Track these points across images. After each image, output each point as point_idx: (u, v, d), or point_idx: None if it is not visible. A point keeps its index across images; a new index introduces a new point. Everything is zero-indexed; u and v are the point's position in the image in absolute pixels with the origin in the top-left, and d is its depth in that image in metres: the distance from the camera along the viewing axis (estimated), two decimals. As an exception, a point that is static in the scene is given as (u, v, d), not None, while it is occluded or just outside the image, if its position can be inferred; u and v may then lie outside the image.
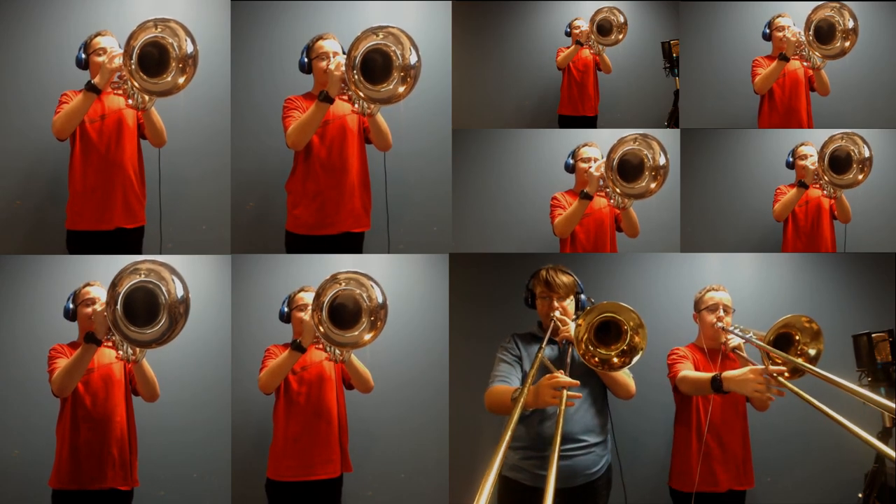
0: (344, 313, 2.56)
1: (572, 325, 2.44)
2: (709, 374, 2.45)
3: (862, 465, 2.99)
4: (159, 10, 3.07)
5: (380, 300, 2.54)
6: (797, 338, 2.54)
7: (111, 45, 2.74)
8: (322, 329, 2.53)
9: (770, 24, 3.33)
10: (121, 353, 2.57)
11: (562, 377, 2.16)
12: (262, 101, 3.22)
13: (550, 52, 3.73)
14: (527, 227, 3.48)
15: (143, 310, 2.38)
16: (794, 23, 3.27)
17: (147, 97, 2.64)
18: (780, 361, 2.40)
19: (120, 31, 2.75)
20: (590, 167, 2.96)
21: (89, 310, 2.57)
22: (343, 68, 2.61)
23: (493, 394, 2.45)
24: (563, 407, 2.06)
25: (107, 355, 2.67)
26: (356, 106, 2.76)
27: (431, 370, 3.27)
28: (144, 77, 2.53)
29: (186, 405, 3.13)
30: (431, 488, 3.26)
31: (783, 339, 2.54)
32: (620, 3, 3.64)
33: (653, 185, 2.85)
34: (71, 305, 2.62)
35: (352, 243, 2.95)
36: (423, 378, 3.28)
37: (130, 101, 2.67)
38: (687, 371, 2.63)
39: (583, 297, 2.63)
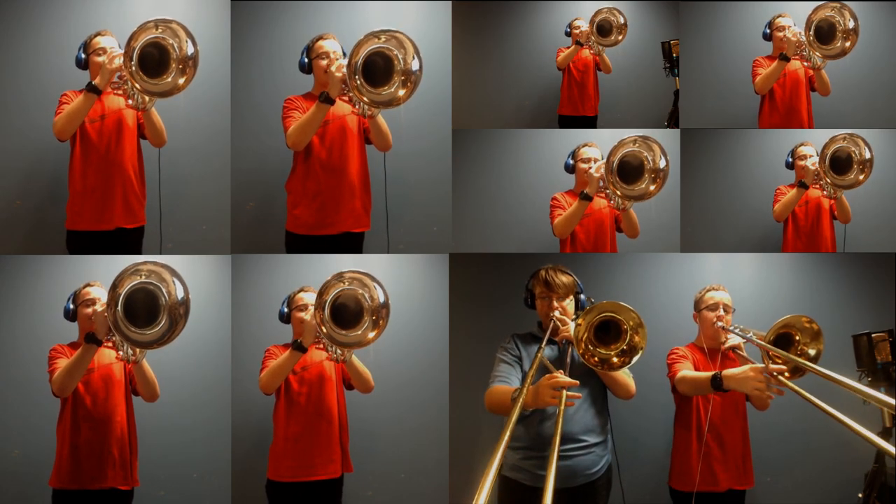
0: (345, 313, 2.56)
1: (572, 325, 2.44)
2: (708, 373, 2.45)
3: (862, 465, 2.99)
4: (159, 10, 3.07)
5: (381, 300, 2.54)
6: (797, 338, 2.54)
7: (111, 45, 2.74)
8: (325, 329, 2.53)
9: (770, 25, 3.33)
10: (121, 353, 2.58)
11: (561, 377, 2.16)
12: (262, 101, 3.22)
13: (550, 52, 3.73)
14: (527, 227, 3.48)
15: (144, 311, 2.39)
16: (794, 23, 3.27)
17: (147, 98, 2.64)
18: (780, 361, 2.40)
19: (120, 31, 2.75)
20: (590, 168, 2.96)
21: (89, 310, 2.58)
22: (344, 70, 2.61)
23: (493, 394, 2.45)
24: (562, 407, 2.06)
25: (107, 355, 2.67)
26: (357, 108, 2.76)
27: (431, 370, 3.27)
28: (145, 78, 2.53)
29: (186, 405, 3.13)
30: (431, 488, 3.26)
31: (783, 339, 2.54)
32: (620, 4, 3.64)
33: (652, 188, 2.86)
34: (71, 306, 2.62)
35: (352, 243, 2.95)
36: (423, 378, 3.28)
37: (130, 102, 2.68)
38: (686, 371, 2.63)
39: (582, 296, 2.63)
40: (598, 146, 3.06)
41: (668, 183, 2.88)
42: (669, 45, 3.53)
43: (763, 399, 2.55)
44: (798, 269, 3.42)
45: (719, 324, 2.72)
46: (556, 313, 2.53)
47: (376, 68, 2.59)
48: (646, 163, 2.85)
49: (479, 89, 3.70)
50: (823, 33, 3.14)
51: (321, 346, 2.75)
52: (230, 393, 3.17)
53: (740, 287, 3.27)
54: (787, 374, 2.23)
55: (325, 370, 2.79)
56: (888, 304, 3.32)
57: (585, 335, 2.34)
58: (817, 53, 3.18)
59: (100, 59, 2.70)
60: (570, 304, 2.58)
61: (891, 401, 1.72)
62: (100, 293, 2.62)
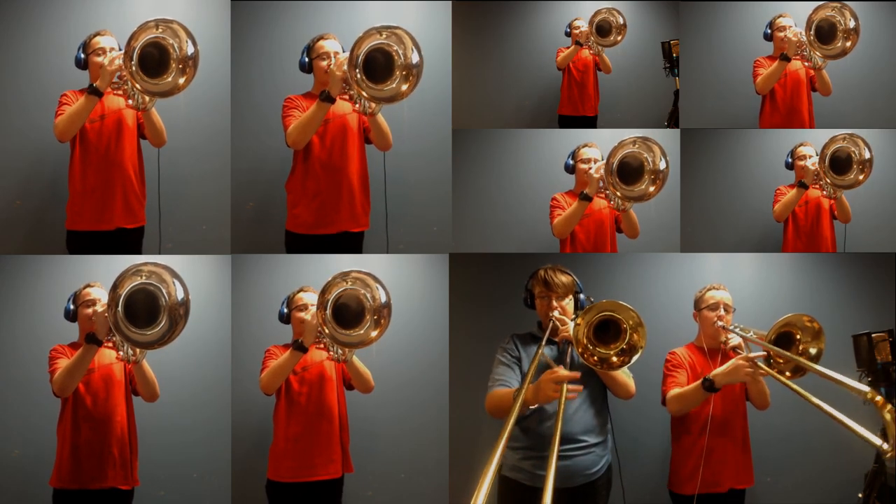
0: (347, 313, 2.56)
1: (571, 325, 2.44)
2: (697, 382, 2.50)
3: (862, 465, 2.98)
4: (159, 10, 3.07)
5: (383, 300, 2.54)
6: (798, 337, 2.54)
7: (110, 45, 2.74)
8: (328, 330, 2.54)
9: (771, 25, 3.33)
10: (121, 353, 2.58)
11: (562, 371, 2.17)
12: (262, 101, 3.22)
13: (550, 52, 3.73)
14: (527, 227, 3.48)
15: (144, 311, 2.40)
16: (795, 23, 3.27)
17: (147, 98, 2.64)
18: (781, 361, 2.41)
19: (120, 31, 2.75)
20: (589, 168, 2.96)
21: (90, 310, 2.58)
22: (345, 67, 2.61)
23: (495, 398, 2.45)
24: (563, 401, 2.06)
25: (107, 355, 2.67)
26: (357, 105, 2.76)
27: (431, 370, 3.27)
28: (145, 78, 2.53)
29: (186, 405, 3.13)
30: (431, 488, 3.26)
31: (784, 338, 2.55)
32: (620, 4, 3.64)
33: (652, 189, 2.86)
34: (71, 306, 2.63)
35: (351, 243, 2.95)
36: (423, 378, 3.28)
37: (131, 102, 2.67)
38: (675, 390, 2.65)
39: (581, 296, 2.63)
40: (598, 146, 3.06)
41: (668, 183, 2.88)
42: (669, 45, 3.53)
43: (759, 389, 2.57)
44: (798, 269, 3.42)
45: (719, 323, 2.72)
46: (556, 313, 2.53)
47: (377, 65, 2.59)
48: (646, 164, 2.85)
49: (479, 89, 3.70)
50: (824, 33, 3.14)
51: (322, 345, 2.75)
52: (230, 393, 3.17)
53: (740, 287, 3.27)
54: (788, 373, 2.23)
55: (325, 370, 2.79)
56: (888, 304, 3.32)
57: (585, 335, 2.35)
58: (818, 53, 3.18)
59: (99, 59, 2.70)
60: (569, 303, 2.58)
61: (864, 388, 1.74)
62: (100, 294, 2.62)
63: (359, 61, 2.56)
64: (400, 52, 2.58)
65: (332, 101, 2.70)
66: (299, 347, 2.66)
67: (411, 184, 3.33)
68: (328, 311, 2.52)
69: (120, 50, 2.73)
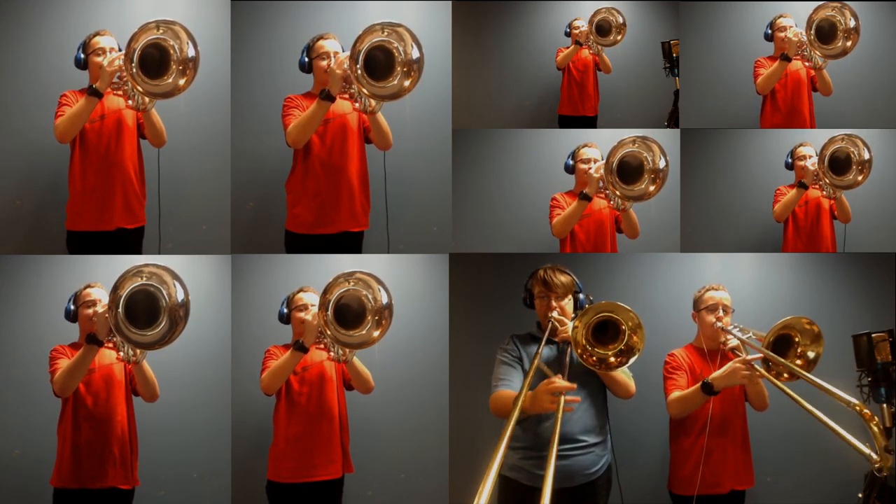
0: (348, 313, 2.56)
1: (570, 325, 2.44)
2: (696, 386, 2.50)
3: (862, 465, 2.97)
4: (159, 10, 3.07)
5: (384, 301, 2.55)
6: (797, 339, 2.54)
7: (110, 45, 2.74)
8: (329, 332, 2.54)
9: (772, 25, 3.33)
10: (121, 354, 2.58)
11: (559, 382, 2.16)
12: (262, 101, 3.22)
13: (550, 52, 3.72)
14: (527, 227, 3.48)
15: (144, 312, 2.40)
16: (795, 23, 3.27)
17: (147, 98, 2.63)
18: (779, 367, 2.42)
19: (120, 31, 2.75)
20: (589, 168, 2.96)
21: (90, 311, 2.59)
22: (345, 66, 2.61)
23: (499, 400, 2.45)
24: (559, 413, 2.06)
25: (107, 356, 2.67)
26: (358, 104, 2.75)
27: (431, 370, 3.27)
28: (145, 79, 2.52)
29: (186, 405, 3.13)
30: (431, 488, 3.26)
31: (783, 341, 2.55)
32: (620, 4, 3.64)
33: (652, 188, 2.86)
34: (72, 307, 2.64)
35: (351, 243, 2.95)
36: (423, 378, 3.28)
37: (131, 102, 2.67)
38: (675, 393, 2.65)
39: (581, 296, 2.63)
40: (597, 146, 3.06)
41: (668, 183, 2.88)
42: (669, 45, 3.53)
43: (758, 392, 2.58)
44: (798, 269, 3.42)
45: (718, 324, 2.72)
46: (555, 313, 2.53)
47: (377, 63, 2.59)
48: (645, 163, 2.85)
49: (479, 89, 3.70)
50: (824, 33, 3.14)
51: (322, 346, 2.75)
52: (230, 393, 3.17)
53: (740, 287, 3.27)
54: (786, 375, 2.24)
55: (325, 370, 2.79)
56: (888, 304, 3.32)
57: (583, 335, 2.35)
58: (818, 53, 3.18)
59: (99, 59, 2.70)
60: (568, 303, 2.59)
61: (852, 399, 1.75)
62: (100, 294, 2.62)
63: (360, 57, 2.55)
64: (400, 48, 2.58)
65: (332, 99, 2.70)
66: (300, 348, 2.66)
67: (411, 184, 3.33)
68: (330, 312, 2.52)
69: (120, 50, 2.73)
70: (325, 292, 2.53)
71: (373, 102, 2.69)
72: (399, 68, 2.59)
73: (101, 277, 2.72)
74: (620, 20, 3.62)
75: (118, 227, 2.84)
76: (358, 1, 3.31)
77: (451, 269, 3.28)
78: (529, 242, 3.47)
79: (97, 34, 2.77)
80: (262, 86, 3.27)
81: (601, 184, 2.93)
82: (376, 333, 2.56)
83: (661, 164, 2.84)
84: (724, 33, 3.60)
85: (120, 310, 2.37)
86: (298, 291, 2.81)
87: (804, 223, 3.27)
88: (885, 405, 2.85)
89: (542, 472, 2.31)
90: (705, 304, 2.77)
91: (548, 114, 3.76)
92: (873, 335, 2.91)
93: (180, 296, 2.41)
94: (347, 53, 2.60)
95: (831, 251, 3.29)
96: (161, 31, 2.51)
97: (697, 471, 2.68)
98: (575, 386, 2.20)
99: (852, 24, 3.10)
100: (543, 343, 2.43)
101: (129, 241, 2.89)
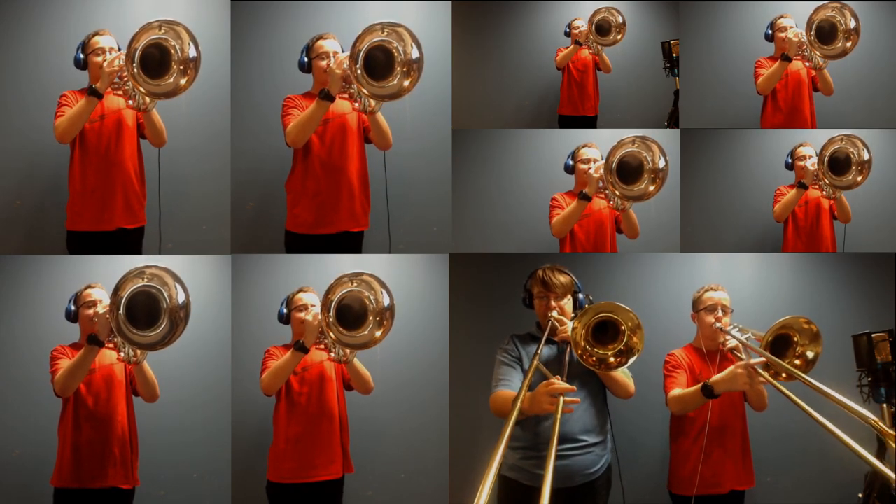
0: (349, 314, 2.57)
1: (570, 325, 2.44)
2: (697, 386, 2.49)
3: (862, 465, 2.97)
4: (159, 10, 3.07)
5: (386, 303, 2.55)
6: (795, 339, 2.54)
7: (109, 45, 2.74)
8: (333, 335, 2.54)
9: (772, 25, 3.33)
10: (122, 354, 2.59)
11: (558, 383, 2.16)
12: (262, 101, 3.22)
13: (550, 52, 3.73)
14: (527, 227, 3.48)
15: (145, 313, 2.41)
16: (796, 23, 3.27)
17: (148, 98, 2.63)
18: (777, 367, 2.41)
19: (120, 31, 2.76)
20: (589, 168, 2.96)
21: (91, 311, 2.59)
22: (344, 66, 2.61)
23: (499, 400, 2.46)
24: (559, 415, 2.06)
25: (108, 356, 2.68)
26: (357, 104, 2.75)
27: (431, 370, 3.27)
28: (147, 79, 2.52)
29: (186, 405, 3.13)
30: (431, 488, 3.26)
31: (782, 341, 2.55)
32: (620, 4, 3.64)
33: (651, 188, 2.85)
34: (72, 307, 2.64)
35: (351, 242, 2.95)
36: (423, 378, 3.28)
37: (131, 102, 2.67)
38: (676, 390, 2.65)
39: (580, 296, 2.63)
40: (597, 147, 3.06)
41: (668, 183, 2.88)
42: (669, 45, 3.53)
43: (757, 393, 2.57)
44: (798, 269, 3.42)
45: (717, 325, 2.72)
46: (554, 313, 2.53)
47: (377, 63, 2.59)
48: (645, 163, 2.85)
49: (479, 89, 3.70)
50: (825, 33, 3.14)
51: (322, 346, 2.75)
52: (230, 393, 3.17)
53: (740, 287, 3.27)
54: (784, 375, 2.23)
55: (325, 370, 2.79)
56: (888, 304, 3.32)
57: (583, 335, 2.35)
58: (818, 53, 3.18)
59: (98, 59, 2.70)
60: (567, 303, 2.59)
61: (869, 415, 1.74)
62: (101, 295, 2.63)
63: (360, 57, 2.55)
64: (400, 48, 2.58)
65: (332, 99, 2.70)
66: (300, 348, 2.66)
67: (411, 184, 3.33)
68: (332, 313, 2.52)
69: (119, 50, 2.73)
70: (328, 292, 2.53)
71: (372, 102, 2.69)
72: (399, 68, 2.59)
73: (101, 277, 2.72)
74: (620, 20, 3.62)
75: (118, 228, 2.84)
76: (358, 1, 3.31)
77: (451, 269, 3.28)
78: (529, 242, 3.47)
79: (96, 34, 2.77)
80: (262, 86, 3.27)
81: (601, 184, 2.93)
82: (378, 334, 2.56)
83: (661, 163, 2.84)
84: (724, 33, 3.60)
85: (121, 311, 2.37)
86: (298, 292, 2.81)
87: (804, 223, 3.27)
88: (885, 405, 2.85)
89: (541, 472, 2.31)
90: (704, 305, 2.77)
91: (548, 114, 3.76)
92: (873, 335, 2.91)
93: (181, 297, 2.42)
94: (347, 53, 2.60)
95: (831, 251, 3.29)
96: (163, 31, 2.51)
97: (697, 471, 2.67)
98: (574, 388, 2.20)
99: (852, 24, 3.10)
100: (543, 343, 2.43)
101: (129, 242, 2.89)
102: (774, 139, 3.47)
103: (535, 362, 2.31)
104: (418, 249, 3.34)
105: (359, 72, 2.56)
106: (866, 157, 3.10)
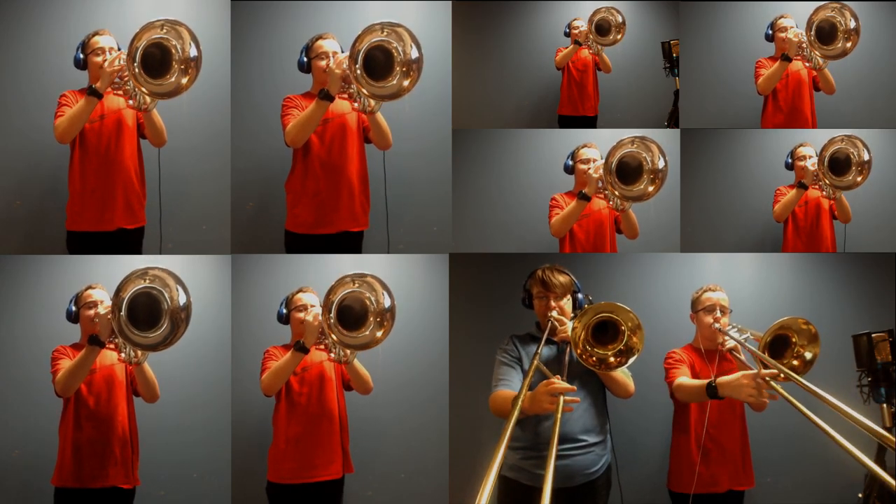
0: (350, 315, 2.57)
1: (570, 325, 2.44)
2: (703, 381, 2.47)
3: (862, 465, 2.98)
4: (159, 10, 3.07)
5: (387, 305, 2.55)
6: (794, 340, 2.54)
7: (109, 45, 2.74)
8: (335, 337, 2.54)
9: (773, 25, 3.33)
10: (123, 355, 2.59)
11: (558, 383, 2.16)
12: (262, 101, 3.22)
13: (550, 52, 3.73)
14: (527, 227, 3.48)
15: (146, 314, 2.41)
16: (796, 24, 3.27)
17: (149, 98, 2.63)
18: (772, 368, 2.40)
19: (120, 31, 2.75)
20: (589, 168, 2.96)
21: (92, 312, 2.60)
22: (344, 66, 2.61)
23: (498, 399, 2.46)
24: (559, 414, 2.06)
25: (109, 356, 2.68)
26: (357, 104, 2.75)
27: (431, 370, 3.27)
28: (148, 79, 2.52)
29: (186, 405, 3.13)
30: (431, 488, 3.27)
31: (780, 341, 2.55)
32: (620, 3, 3.64)
33: (651, 189, 2.85)
34: (73, 308, 2.65)
35: (351, 242, 2.95)
36: (423, 378, 3.28)
37: (132, 102, 2.67)
38: (682, 378, 2.63)
39: (580, 295, 2.63)
40: (597, 147, 3.06)
41: (668, 183, 2.88)
42: (669, 45, 3.53)
43: (760, 404, 2.56)
44: (798, 269, 3.42)
45: (716, 325, 2.72)
46: (554, 313, 2.53)
47: (376, 63, 2.59)
48: (644, 163, 2.85)
49: (479, 89, 3.70)
50: (825, 34, 3.14)
51: (322, 346, 2.75)
52: (230, 393, 3.17)
53: (740, 287, 3.27)
54: (781, 376, 2.22)
55: (325, 370, 2.79)
56: (888, 304, 3.32)
57: (583, 336, 2.35)
58: (818, 54, 3.18)
59: (98, 59, 2.70)
60: (567, 303, 2.59)
61: (868, 422, 1.73)
62: (101, 295, 2.64)
63: (359, 57, 2.55)
64: (399, 48, 2.58)
65: (331, 99, 2.70)
66: (301, 349, 2.66)
67: (411, 184, 3.33)
68: (333, 314, 2.52)
69: (119, 50, 2.73)
70: (330, 293, 2.53)
71: (372, 102, 2.69)
72: (398, 68, 2.59)
73: (101, 278, 2.72)
74: (620, 19, 3.62)
75: (118, 228, 2.84)
76: (358, 1, 3.31)
77: (451, 269, 3.28)
78: (529, 242, 3.47)
79: (96, 34, 2.76)
80: (262, 86, 3.27)
81: (600, 184, 2.93)
82: (379, 334, 2.57)
83: (661, 164, 2.84)
84: (724, 33, 3.60)
85: (122, 312, 2.38)
86: (297, 292, 2.81)
87: (804, 223, 3.27)
88: (885, 405, 2.85)
89: (541, 472, 2.31)
90: (703, 306, 2.77)
91: (548, 114, 3.76)
92: (873, 335, 2.91)
93: (182, 299, 2.43)
94: (347, 53, 2.61)
95: (831, 251, 3.29)
96: (164, 31, 2.51)
97: (695, 469, 2.67)
98: (574, 388, 2.20)
99: (852, 24, 3.10)
100: (543, 343, 2.43)
101: (129, 242, 2.89)
102: (774, 139, 3.47)
103: (536, 362, 2.30)
104: (418, 249, 3.35)
105: (358, 72, 2.56)
106: (866, 157, 3.11)
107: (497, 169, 3.56)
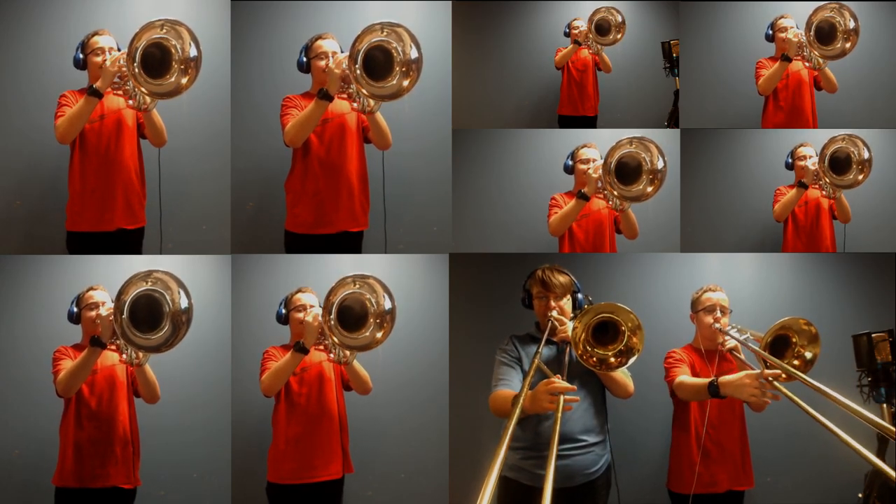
0: (349, 315, 2.57)
1: (570, 326, 2.44)
2: (705, 380, 2.46)
3: (862, 464, 2.97)
4: (159, 10, 3.06)
5: (387, 307, 2.56)
6: (794, 340, 2.54)
7: (109, 45, 2.74)
8: (336, 339, 2.54)
9: (773, 26, 3.33)
10: (124, 356, 2.59)
11: (558, 382, 2.16)
12: (262, 101, 3.22)
13: (550, 52, 3.73)
14: (527, 227, 3.48)
15: (147, 316, 2.42)
16: (796, 24, 3.27)
17: (149, 98, 2.63)
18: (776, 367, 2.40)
19: (120, 31, 2.75)
20: (588, 168, 2.96)
21: (93, 313, 2.60)
22: (343, 66, 2.61)
23: (498, 399, 2.45)
24: (559, 413, 2.06)
25: (110, 357, 2.68)
26: (356, 104, 2.75)
27: (431, 370, 3.27)
28: (148, 79, 2.52)
29: (186, 405, 3.13)
30: (431, 488, 3.27)
31: (780, 341, 2.55)
32: (620, 3, 3.64)
33: (650, 189, 2.85)
34: (75, 309, 2.66)
35: (350, 242, 2.95)
36: (423, 378, 3.28)
37: (131, 102, 2.67)
38: (684, 377, 2.63)
39: (579, 295, 2.63)
40: (597, 147, 3.06)
41: (667, 183, 2.88)
42: (669, 45, 3.53)
43: (760, 404, 2.56)
44: (798, 269, 3.42)
45: (716, 325, 2.72)
46: (554, 313, 2.53)
47: (376, 63, 2.59)
48: (643, 164, 2.85)
49: (479, 89, 3.70)
50: (824, 34, 3.14)
51: (321, 346, 2.75)
52: (230, 393, 3.17)
53: (740, 287, 3.27)
54: (782, 377, 2.22)
55: (324, 370, 2.79)
56: (888, 304, 3.32)
57: (583, 336, 2.35)
58: (816, 54, 3.18)
59: (98, 59, 2.70)
60: (567, 303, 2.59)
61: (879, 420, 1.72)
62: (103, 297, 2.64)
63: (359, 57, 2.55)
64: (399, 48, 2.58)
65: (330, 99, 2.70)
66: (300, 349, 2.66)
67: (411, 184, 3.33)
68: (333, 315, 2.52)
69: (119, 50, 2.73)
70: (330, 294, 2.53)
71: (371, 102, 2.69)
72: (398, 68, 2.59)
73: (101, 278, 2.72)
74: (619, 19, 3.62)
75: (118, 228, 2.84)
76: (358, 1, 3.31)
77: (451, 269, 3.28)
78: (529, 242, 3.47)
79: (96, 34, 2.76)
80: (262, 86, 3.27)
81: (599, 184, 2.93)
82: (379, 335, 2.57)
83: (660, 164, 2.83)
84: (724, 33, 3.60)
85: (125, 314, 2.38)
86: (297, 292, 2.81)
87: (804, 223, 3.27)
88: (885, 405, 2.85)
89: (542, 472, 2.32)
90: (703, 306, 2.77)
91: (547, 114, 3.76)
92: (873, 335, 2.91)
93: (184, 303, 2.44)
94: (346, 53, 2.61)
95: (831, 251, 3.29)
96: (164, 31, 2.51)
97: (695, 469, 2.67)
98: (574, 388, 2.20)
99: (851, 25, 3.10)
100: (543, 343, 2.43)
101: (129, 242, 2.89)
102: (774, 139, 3.47)
103: (537, 361, 2.30)
104: (418, 249, 3.35)
105: (358, 72, 2.56)
106: (866, 155, 3.11)
107: (497, 169, 3.56)
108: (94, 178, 2.79)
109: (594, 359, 2.37)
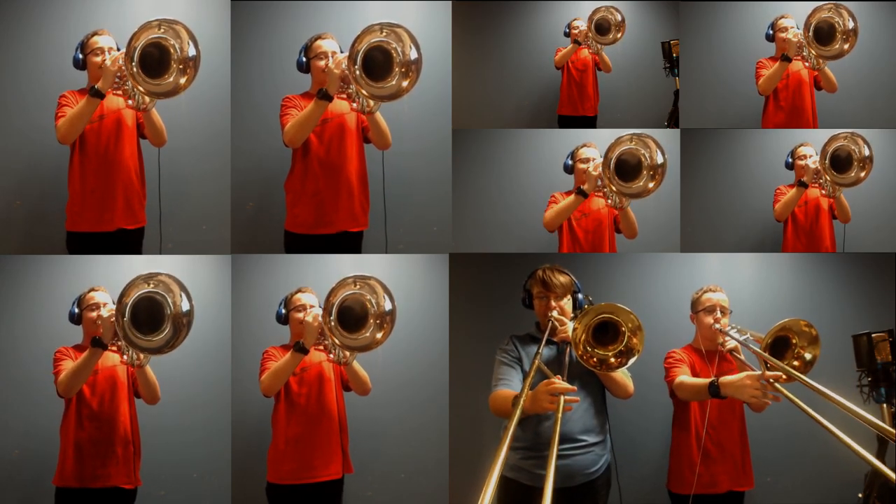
0: (350, 316, 2.57)
1: (570, 326, 2.44)
2: (706, 380, 2.46)
3: (862, 464, 2.97)
4: (159, 9, 3.06)
5: (387, 308, 2.56)
6: (794, 341, 2.54)
7: (108, 45, 2.74)
8: (337, 341, 2.54)
9: (773, 26, 3.33)
10: (125, 357, 2.60)
11: (559, 383, 2.17)
12: (262, 101, 3.22)
13: (550, 52, 3.73)
14: (527, 227, 3.48)
15: (148, 318, 2.43)
16: (796, 24, 3.27)
17: (148, 98, 2.63)
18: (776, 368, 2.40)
19: (120, 31, 2.75)
20: (588, 167, 2.96)
21: (94, 314, 2.60)
22: (343, 66, 2.61)
23: (498, 398, 2.46)
24: (559, 414, 2.06)
25: (111, 358, 2.68)
26: (356, 104, 2.75)
27: (431, 370, 3.27)
28: (146, 79, 2.52)
29: (186, 405, 3.13)
30: (431, 488, 3.27)
31: (781, 343, 2.55)
32: (620, 3, 3.64)
33: (651, 185, 2.85)
34: (76, 310, 2.66)
35: (350, 243, 2.95)
36: (423, 378, 3.28)
37: (131, 102, 2.67)
38: (684, 377, 2.63)
39: (580, 296, 2.63)
40: (596, 146, 3.06)
41: (667, 183, 2.88)
42: (669, 45, 3.53)
43: (760, 405, 2.56)
44: (798, 269, 3.42)
45: (716, 326, 2.72)
46: (554, 313, 2.53)
47: (375, 63, 2.59)
48: (643, 160, 2.85)
49: (479, 89, 3.70)
50: (823, 34, 3.14)
51: (321, 347, 2.75)
52: (230, 393, 3.17)
53: (740, 287, 3.27)
54: (783, 378, 2.22)
55: (324, 371, 2.79)
56: (888, 304, 3.32)
57: (584, 337, 2.35)
58: (815, 54, 3.18)
59: (97, 59, 2.70)
60: (567, 303, 2.59)
61: (879, 422, 1.72)
62: (104, 298, 2.64)
63: (358, 57, 2.55)
64: (399, 49, 2.58)
65: (330, 99, 2.70)
66: (300, 349, 2.66)
67: (411, 184, 3.33)
68: (333, 316, 2.52)
69: (119, 49, 2.73)
70: (331, 294, 2.53)
71: (371, 102, 2.69)
72: (397, 69, 2.59)
73: (101, 278, 2.73)
74: (619, 18, 3.62)
75: (118, 228, 2.84)
76: (358, 1, 3.31)
77: (451, 269, 3.28)
78: (529, 242, 3.47)
79: (95, 34, 2.76)
80: (262, 86, 3.27)
81: (599, 182, 2.93)
82: (379, 336, 2.57)
83: (659, 159, 2.83)
84: (724, 33, 3.60)
85: (126, 316, 2.39)
86: (296, 292, 2.81)
87: (804, 223, 3.27)
88: (885, 405, 2.85)
89: (542, 472, 2.32)
90: (703, 306, 2.77)
91: (547, 114, 3.76)
92: (873, 335, 2.91)
93: (185, 305, 2.45)
94: (346, 54, 2.61)
95: (831, 251, 3.29)
96: (162, 31, 2.51)
97: (695, 470, 2.67)
98: (575, 388, 2.20)
99: (850, 25, 3.10)
100: (543, 343, 2.43)
101: (129, 242, 2.89)
102: (775, 139, 3.47)
103: (537, 361, 2.31)
104: (418, 249, 3.35)
105: (357, 72, 2.56)
106: (867, 153, 3.11)
107: (497, 169, 3.56)
108: (94, 178, 2.79)
109: (594, 359, 2.37)
